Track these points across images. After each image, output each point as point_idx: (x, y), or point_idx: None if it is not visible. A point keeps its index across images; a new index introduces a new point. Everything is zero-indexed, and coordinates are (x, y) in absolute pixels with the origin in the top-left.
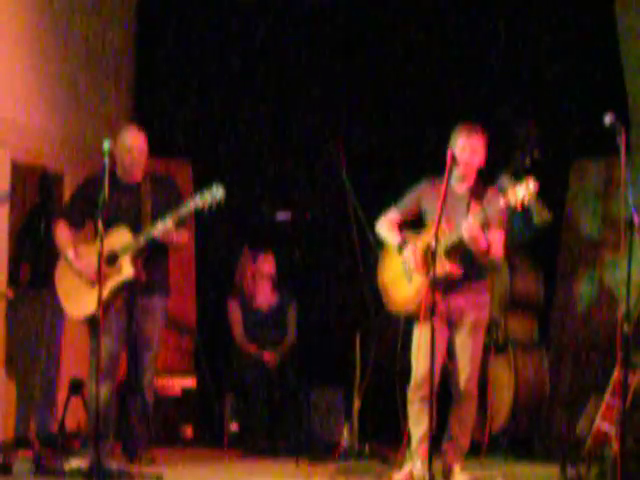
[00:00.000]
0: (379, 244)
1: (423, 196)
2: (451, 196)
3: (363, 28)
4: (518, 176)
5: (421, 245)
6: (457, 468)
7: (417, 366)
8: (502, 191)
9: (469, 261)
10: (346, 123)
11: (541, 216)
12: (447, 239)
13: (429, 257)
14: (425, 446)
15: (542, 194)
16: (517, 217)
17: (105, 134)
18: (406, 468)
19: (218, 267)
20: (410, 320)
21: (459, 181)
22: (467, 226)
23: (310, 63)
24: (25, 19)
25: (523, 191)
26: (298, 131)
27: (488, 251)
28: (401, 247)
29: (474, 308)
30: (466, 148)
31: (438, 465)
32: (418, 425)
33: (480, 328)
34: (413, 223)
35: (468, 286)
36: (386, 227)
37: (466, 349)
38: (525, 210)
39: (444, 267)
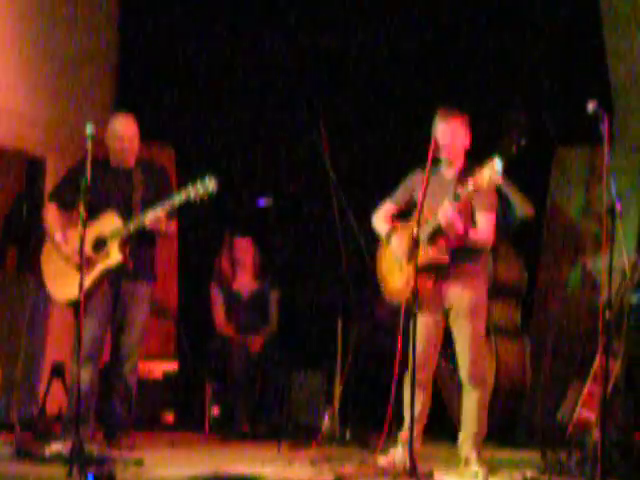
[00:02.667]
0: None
1: (415, 186)
2: (440, 182)
3: (349, 12)
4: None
5: (407, 234)
6: (473, 457)
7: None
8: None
9: (456, 245)
10: (329, 109)
11: (524, 210)
12: (429, 225)
13: (412, 245)
14: (409, 432)
15: (525, 182)
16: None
17: (88, 118)
18: (391, 452)
19: (200, 253)
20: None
21: (447, 166)
22: (442, 211)
23: (293, 49)
24: (9, 4)
25: (489, 171)
26: (280, 117)
27: (466, 235)
28: (389, 237)
29: (469, 292)
30: (446, 132)
31: (444, 450)
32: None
33: (479, 311)
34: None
35: (460, 270)
36: (378, 219)
37: (465, 335)
38: (504, 200)
39: (427, 253)
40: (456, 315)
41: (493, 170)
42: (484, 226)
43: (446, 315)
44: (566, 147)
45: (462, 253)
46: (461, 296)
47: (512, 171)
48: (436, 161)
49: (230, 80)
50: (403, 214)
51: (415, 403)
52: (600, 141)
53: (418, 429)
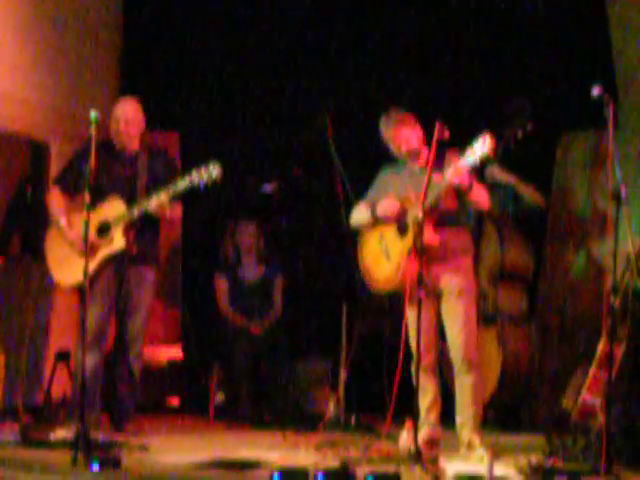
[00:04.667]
0: (356, 233)
1: (387, 183)
2: (411, 175)
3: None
4: (509, 150)
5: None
6: (476, 440)
7: (415, 342)
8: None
9: (444, 226)
10: (334, 94)
11: (536, 202)
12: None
13: (416, 231)
14: (415, 417)
15: (530, 166)
16: (505, 191)
17: (92, 104)
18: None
19: (204, 238)
20: (396, 298)
21: (413, 160)
22: (451, 170)
23: (299, 34)
24: None
25: (480, 147)
26: (285, 103)
27: (471, 187)
28: (374, 209)
29: (458, 274)
30: (411, 136)
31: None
32: (424, 395)
33: (469, 293)
34: None
35: (445, 252)
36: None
37: (457, 316)
38: (513, 192)
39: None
40: (447, 298)
41: (485, 145)
42: (483, 192)
43: (438, 298)
44: (571, 132)
45: (448, 233)
46: (451, 278)
47: (517, 156)
48: (394, 158)
49: (234, 64)
50: None
51: (428, 389)
52: (605, 126)
53: (436, 413)
